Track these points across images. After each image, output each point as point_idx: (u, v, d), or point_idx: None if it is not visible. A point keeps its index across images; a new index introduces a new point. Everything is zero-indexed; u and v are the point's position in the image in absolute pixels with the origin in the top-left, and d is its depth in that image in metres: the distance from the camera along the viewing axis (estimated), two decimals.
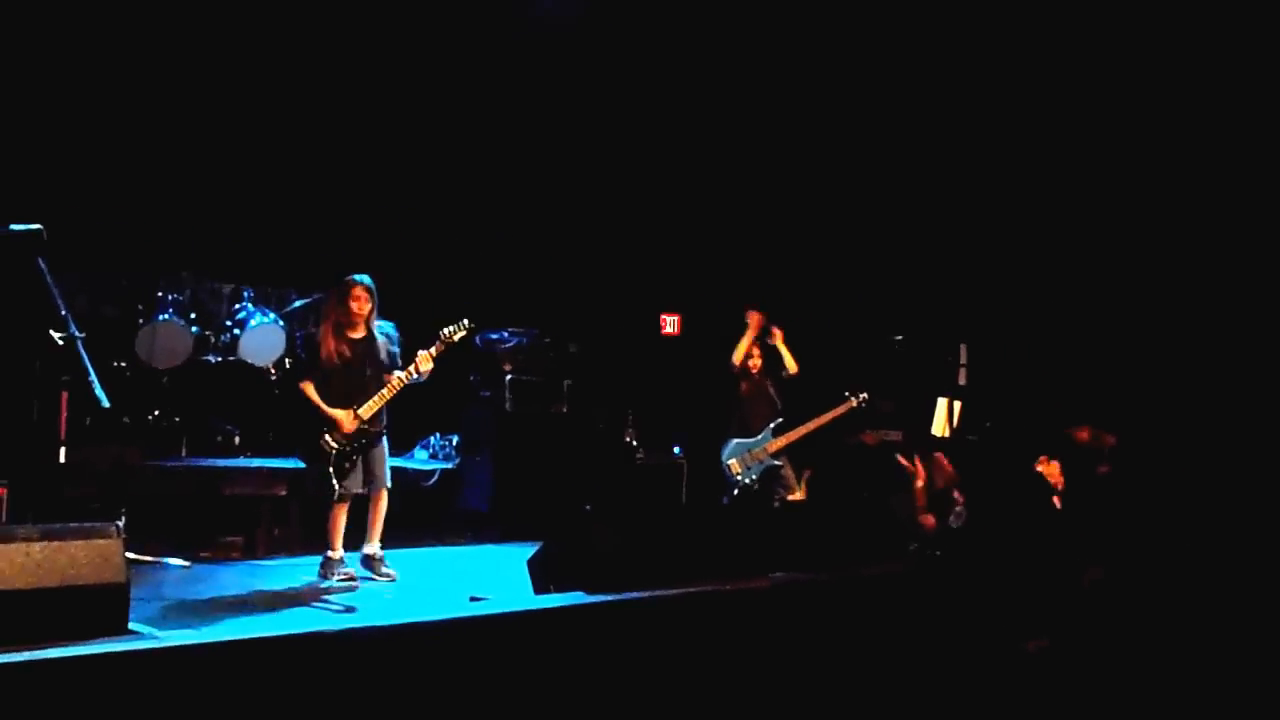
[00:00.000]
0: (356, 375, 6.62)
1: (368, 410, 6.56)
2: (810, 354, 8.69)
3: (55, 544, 4.57)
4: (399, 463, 9.10)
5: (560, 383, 9.42)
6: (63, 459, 6.11)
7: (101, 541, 4.70)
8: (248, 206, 9.26)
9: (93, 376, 5.62)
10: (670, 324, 11.03)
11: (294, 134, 9.38)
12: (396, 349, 6.81)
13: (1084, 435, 7.54)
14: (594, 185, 10.54)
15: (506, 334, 9.42)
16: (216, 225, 9.19)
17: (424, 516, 8.48)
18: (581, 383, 9.56)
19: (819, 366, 8.77)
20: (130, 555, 5.45)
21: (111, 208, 8.74)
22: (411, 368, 6.59)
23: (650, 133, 10.35)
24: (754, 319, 8.50)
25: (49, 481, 6.21)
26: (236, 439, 8.88)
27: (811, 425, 8.40)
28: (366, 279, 6.71)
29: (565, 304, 10.28)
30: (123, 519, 6.37)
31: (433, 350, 6.58)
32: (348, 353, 6.61)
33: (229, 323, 9.11)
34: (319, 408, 6.54)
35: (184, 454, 8.61)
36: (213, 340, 9.02)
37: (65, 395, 6.09)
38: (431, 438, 9.61)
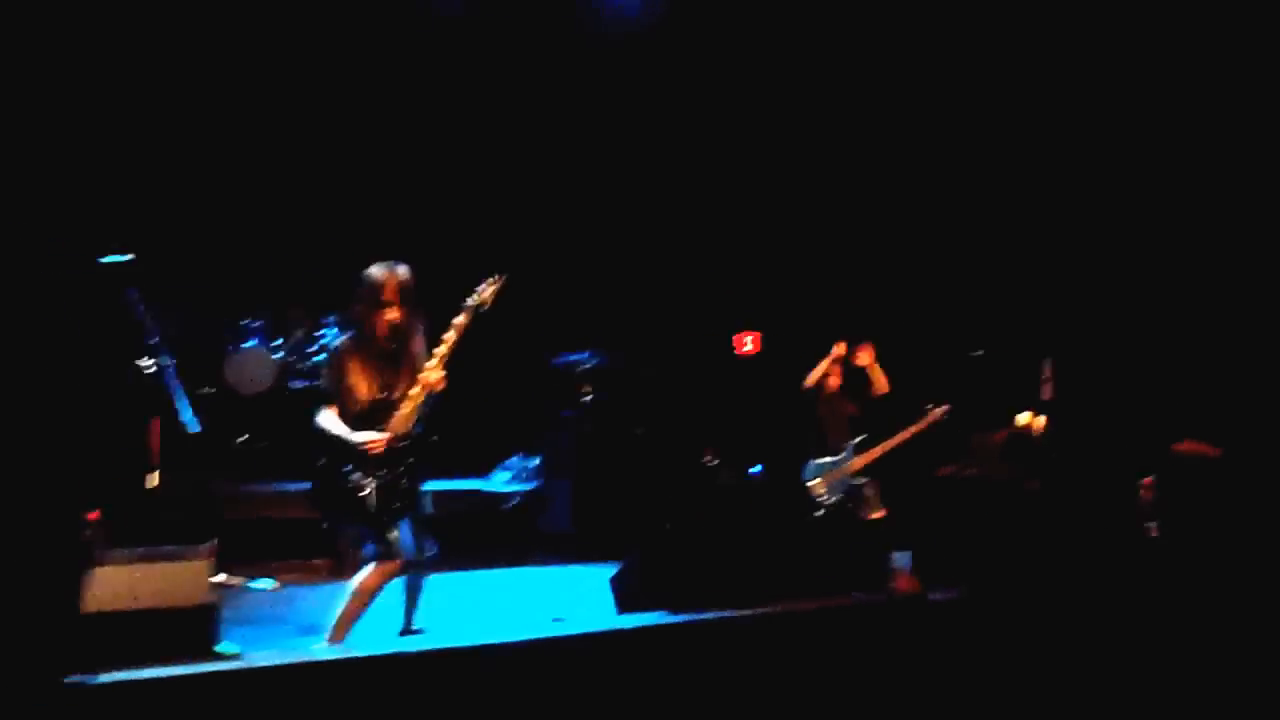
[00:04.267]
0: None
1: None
2: (888, 369, 8.56)
3: (146, 567, 4.67)
4: (479, 485, 9.16)
5: (639, 403, 9.41)
6: (154, 484, 6.22)
7: (190, 564, 4.79)
8: (330, 232, 9.42)
9: (182, 403, 5.72)
10: (749, 343, 10.97)
11: (368, 160, 9.54)
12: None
13: (1190, 450, 7.29)
14: (673, 203, 10.54)
15: (584, 355, 9.46)
16: (298, 252, 9.36)
17: (505, 538, 8.51)
18: (660, 403, 9.54)
19: (898, 381, 8.65)
20: (218, 578, 5.55)
21: (197, 238, 8.95)
22: (422, 379, 5.31)
23: (724, 148, 10.33)
24: (837, 349, 8.39)
25: (141, 506, 6.31)
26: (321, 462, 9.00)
27: (894, 441, 8.27)
28: (402, 268, 5.36)
29: (644, 324, 10.28)
30: (212, 542, 6.46)
31: (443, 349, 5.33)
32: (376, 382, 5.35)
33: (312, 348, 9.25)
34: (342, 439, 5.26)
35: (270, 478, 8.75)
36: (296, 366, 9.16)
37: (156, 422, 6.20)
38: (512, 460, 9.65)
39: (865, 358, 8.34)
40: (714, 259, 10.59)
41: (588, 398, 9.20)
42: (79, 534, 5.66)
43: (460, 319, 5.35)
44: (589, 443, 9.05)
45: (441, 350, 5.30)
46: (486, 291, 5.44)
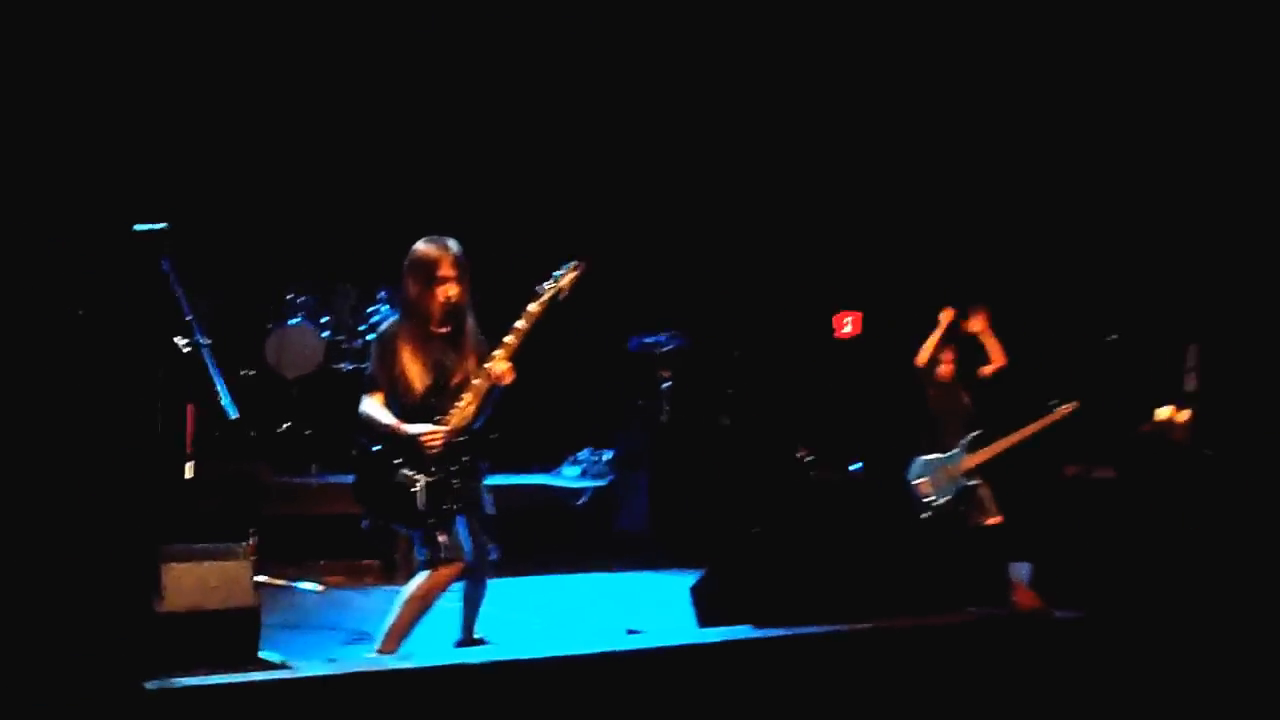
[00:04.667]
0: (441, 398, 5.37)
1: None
2: (1010, 356, 8.50)
3: (181, 566, 4.76)
4: (546, 480, 9.26)
5: (724, 390, 9.44)
6: (189, 474, 6.38)
7: (230, 563, 4.88)
8: (384, 199, 9.57)
9: (220, 386, 5.86)
10: (848, 323, 10.93)
11: (427, 122, 9.67)
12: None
13: None
14: (761, 167, 10.54)
15: (663, 337, 9.49)
16: (348, 220, 9.52)
17: (575, 540, 8.61)
18: (748, 390, 9.56)
19: (1021, 370, 8.58)
20: (260, 578, 5.68)
21: (237, 205, 9.14)
22: (487, 368, 5.29)
23: (817, 106, 10.32)
24: (944, 315, 8.34)
25: (175, 499, 6.48)
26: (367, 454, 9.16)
27: (1013, 439, 8.20)
28: (454, 243, 5.39)
29: (729, 302, 10.30)
30: (252, 539, 6.60)
31: (512, 339, 5.30)
32: (431, 370, 5.37)
33: (362, 327, 9.40)
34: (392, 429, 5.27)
35: (315, 469, 8.91)
36: (344, 346, 9.31)
37: (191, 407, 6.36)
38: (582, 453, 9.74)
39: (978, 324, 8.26)
40: (809, 230, 10.57)
41: (666, 384, 9.26)
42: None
43: (533, 307, 5.32)
44: (668, 434, 9.11)
45: (510, 340, 5.28)
46: (565, 279, 5.39)
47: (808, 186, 10.57)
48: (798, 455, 9.43)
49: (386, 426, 5.24)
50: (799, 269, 10.67)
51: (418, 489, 5.20)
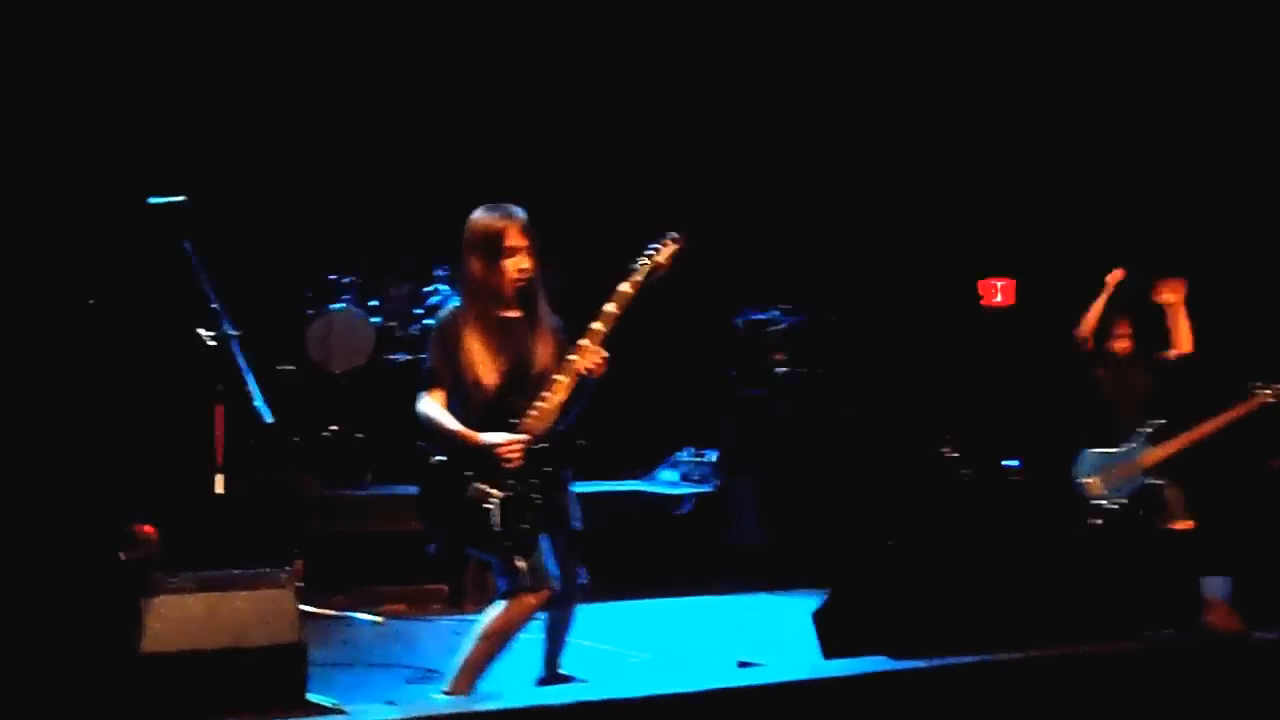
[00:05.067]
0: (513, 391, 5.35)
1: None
2: (1200, 334, 8.35)
3: (214, 596, 4.83)
4: (640, 487, 9.29)
5: (850, 376, 9.40)
6: (220, 489, 6.48)
7: (271, 592, 4.95)
8: (436, 163, 9.65)
9: (252, 385, 5.95)
10: (999, 291, 10.81)
11: (492, 77, 9.78)
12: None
13: None
14: (885, 109, 10.47)
15: (776, 313, 9.46)
16: (398, 189, 9.61)
17: (675, 556, 8.63)
18: (880, 375, 9.51)
19: (1207, 350, 8.42)
20: (307, 609, 5.75)
21: (268, 174, 9.27)
22: (574, 359, 5.24)
23: (963, 37, 10.26)
24: (1112, 277, 8.21)
25: (204, 517, 6.58)
26: (437, 460, 9.23)
27: (1204, 429, 8.08)
28: (520, 210, 5.42)
29: (854, 271, 10.24)
30: (297, 563, 6.68)
31: (601, 325, 5.25)
32: (503, 363, 5.35)
33: (418, 310, 9.49)
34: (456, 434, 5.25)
35: (370, 479, 9.00)
36: (399, 333, 9.40)
37: (220, 409, 6.45)
38: (682, 454, 9.75)
39: (1171, 294, 8.09)
40: (949, 180, 10.48)
41: (781, 369, 9.23)
42: (131, 552, 5.97)
43: (625, 287, 5.28)
44: (783, 430, 9.09)
45: (599, 327, 5.23)
46: (662, 253, 5.36)
47: (945, 125, 10.46)
48: (940, 451, 9.37)
49: (452, 433, 5.21)
50: (937, 227, 10.56)
51: (492, 506, 5.15)
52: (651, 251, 5.36)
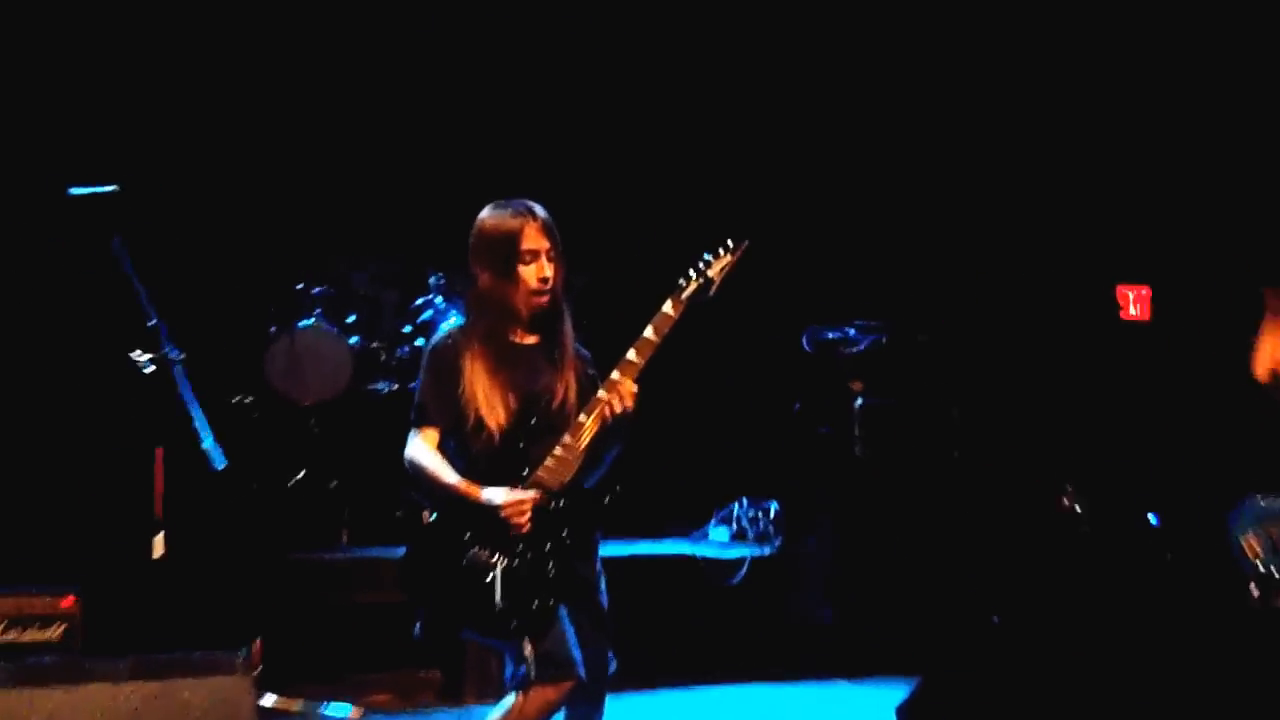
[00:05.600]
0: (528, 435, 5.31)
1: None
2: None
3: (154, 685, 4.90)
4: (684, 549, 9.31)
5: (947, 409, 9.40)
6: (159, 552, 6.53)
7: (223, 680, 5.02)
8: (429, 146, 9.72)
9: (200, 422, 6.01)
10: (1132, 303, 10.81)
11: (498, 42, 9.85)
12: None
13: None
14: (989, 86, 10.52)
15: (852, 331, 9.46)
16: (380, 177, 9.68)
17: (726, 634, 8.64)
18: (983, 407, 9.51)
19: None
20: (268, 701, 5.81)
21: (218, 160, 9.33)
22: (603, 397, 5.20)
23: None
24: (1275, 302, 8.20)
25: (140, 587, 6.64)
26: (429, 517, 9.27)
27: None
28: (539, 206, 5.42)
29: (948, 277, 10.25)
30: (255, 644, 6.71)
31: (636, 356, 5.21)
32: (514, 399, 5.32)
33: (408, 328, 9.54)
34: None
35: (346, 540, 9.02)
36: (382, 356, 9.45)
37: (160, 453, 6.51)
38: (735, 505, 9.76)
39: None
40: (1070, 166, 10.49)
41: (859, 400, 9.25)
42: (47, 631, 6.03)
43: (669, 309, 5.25)
44: (861, 476, 9.09)
45: (634, 359, 5.20)
46: (715, 267, 5.32)
47: (1066, 104, 10.49)
48: (1059, 500, 9.37)
49: (448, 486, 5.21)
50: (1056, 224, 10.56)
51: (491, 579, 5.13)
52: (704, 263, 5.32)
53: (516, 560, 5.11)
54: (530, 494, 5.12)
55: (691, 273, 5.27)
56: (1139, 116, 10.43)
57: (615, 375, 5.18)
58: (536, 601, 5.10)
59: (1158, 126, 10.43)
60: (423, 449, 5.29)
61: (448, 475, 5.22)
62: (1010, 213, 10.46)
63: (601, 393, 5.18)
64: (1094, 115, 10.46)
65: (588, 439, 5.17)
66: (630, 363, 5.17)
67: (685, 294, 5.25)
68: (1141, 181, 10.44)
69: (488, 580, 5.09)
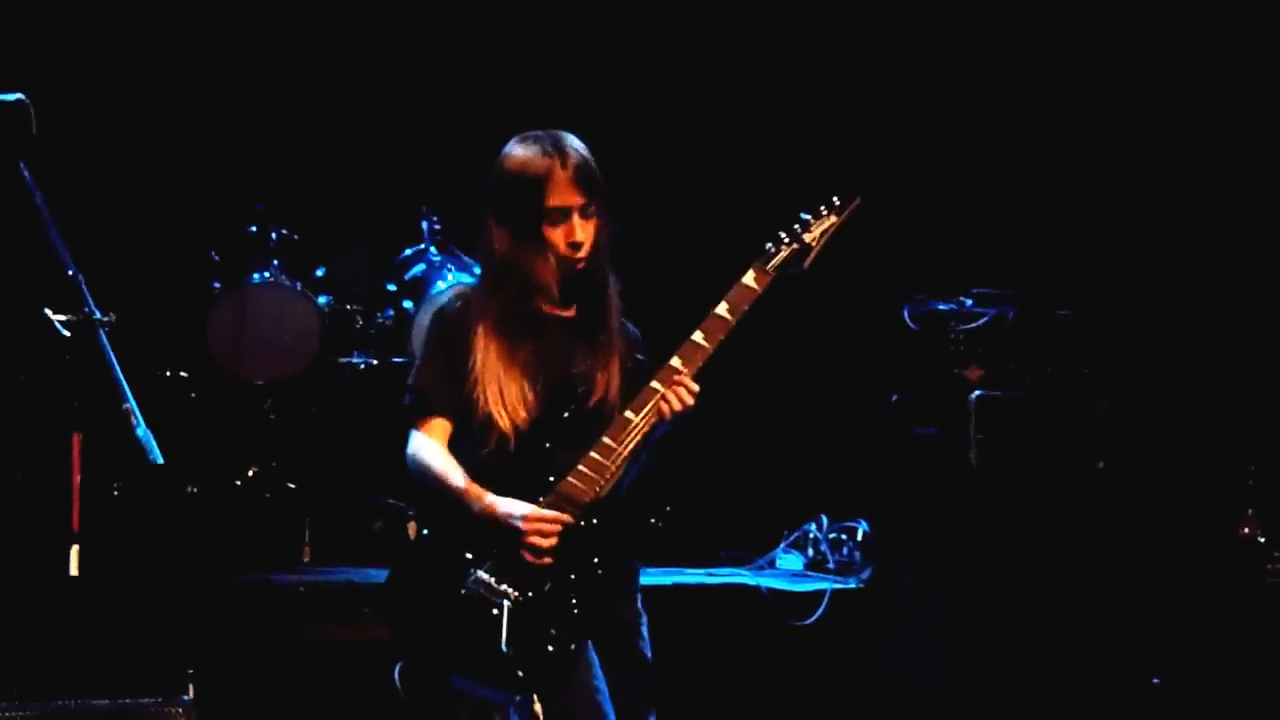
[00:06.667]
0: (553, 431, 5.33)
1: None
2: None
3: None
4: (746, 580, 9.36)
5: (1092, 405, 9.40)
6: (75, 569, 6.59)
7: None
8: (421, 57, 9.78)
9: (131, 402, 6.06)
10: None
11: None
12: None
13: None
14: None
15: (969, 301, 9.45)
16: (359, 92, 9.74)
17: (799, 688, 8.66)
18: (1140, 403, 9.51)
19: None
20: None
21: (163, 68, 9.39)
22: (657, 389, 5.19)
23: None
24: None
25: (52, 614, 6.71)
26: (417, 532, 9.30)
27: None
28: (574, 144, 5.37)
29: (1093, 238, 10.25)
30: (189, 687, 6.76)
31: (704, 339, 5.23)
32: (539, 387, 5.36)
33: (392, 286, 9.60)
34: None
35: (307, 560, 9.06)
36: (359, 322, 9.50)
37: (77, 439, 6.57)
38: (811, 525, 9.80)
39: None
40: (1239, 114, 10.49)
41: (976, 392, 9.26)
42: None
43: (751, 279, 5.27)
44: (979, 490, 9.10)
45: (702, 341, 5.21)
46: (815, 230, 5.36)
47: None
48: (1240, 528, 9.38)
49: (455, 491, 5.23)
50: (1223, 180, 10.55)
51: (500, 613, 5.15)
52: (801, 224, 5.34)
53: (531, 592, 5.10)
54: (552, 514, 5.09)
55: (784, 235, 5.28)
56: None
57: (675, 362, 5.16)
58: (552, 646, 5.08)
59: None
60: (430, 447, 5.31)
61: (455, 477, 5.22)
62: (1184, 150, 10.47)
63: (655, 384, 5.16)
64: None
65: (634, 442, 5.16)
66: (697, 346, 5.17)
67: (774, 261, 5.26)
68: None
69: (492, 614, 5.07)
